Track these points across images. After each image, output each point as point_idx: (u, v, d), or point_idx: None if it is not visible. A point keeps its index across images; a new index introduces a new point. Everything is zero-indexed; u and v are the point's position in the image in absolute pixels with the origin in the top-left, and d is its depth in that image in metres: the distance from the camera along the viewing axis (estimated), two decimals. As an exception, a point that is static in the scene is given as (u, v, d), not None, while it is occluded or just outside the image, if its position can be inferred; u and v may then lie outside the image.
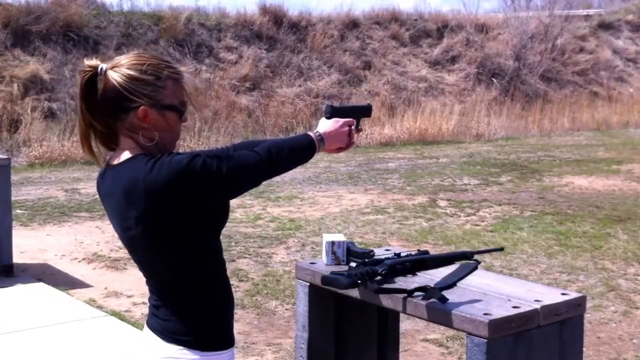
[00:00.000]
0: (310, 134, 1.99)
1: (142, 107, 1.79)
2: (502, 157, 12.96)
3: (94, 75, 1.84)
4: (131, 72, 1.79)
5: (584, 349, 4.24)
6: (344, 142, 2.06)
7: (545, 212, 8.16)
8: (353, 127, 2.10)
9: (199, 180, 1.74)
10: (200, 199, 1.78)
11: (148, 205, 1.74)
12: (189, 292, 1.85)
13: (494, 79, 18.74)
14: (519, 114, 17.58)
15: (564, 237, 7.03)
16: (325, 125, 2.04)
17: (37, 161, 11.25)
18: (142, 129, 1.81)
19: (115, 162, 1.83)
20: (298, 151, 1.93)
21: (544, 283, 5.51)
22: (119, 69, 1.81)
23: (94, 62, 1.85)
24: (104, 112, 1.84)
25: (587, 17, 22.96)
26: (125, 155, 1.82)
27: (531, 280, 5.58)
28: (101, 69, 1.82)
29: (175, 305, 1.85)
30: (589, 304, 5.09)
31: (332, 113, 2.08)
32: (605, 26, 22.75)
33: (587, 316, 4.76)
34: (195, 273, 1.85)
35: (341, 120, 2.05)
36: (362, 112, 2.21)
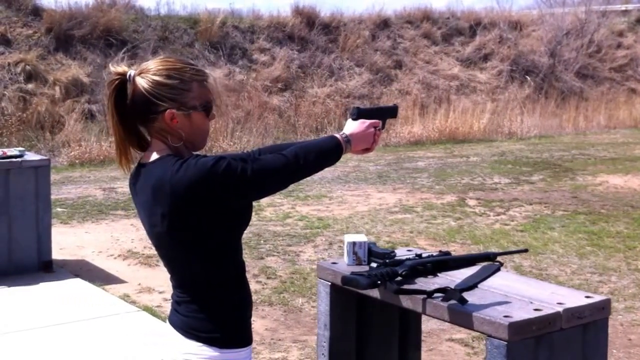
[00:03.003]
0: (337, 135, 2.01)
1: (168, 110, 1.85)
2: (534, 155, 12.80)
3: (123, 82, 1.90)
4: (156, 78, 1.86)
5: (614, 350, 4.22)
6: (370, 143, 2.08)
7: (578, 212, 8.05)
8: (378, 128, 2.11)
9: (222, 182, 1.79)
10: (223, 201, 1.82)
11: (173, 205, 1.80)
12: (209, 290, 1.90)
13: (527, 77, 18.51)
14: (553, 111, 17.33)
15: (597, 237, 6.93)
16: (351, 127, 2.07)
17: (77, 161, 11.56)
18: (170, 131, 1.88)
19: (146, 161, 1.90)
20: (325, 153, 1.96)
21: (574, 284, 5.45)
22: (145, 74, 1.87)
23: (121, 68, 1.91)
24: (134, 116, 1.91)
25: (625, 12, 22.53)
26: (155, 155, 1.89)
27: (561, 280, 5.53)
28: (129, 75, 1.89)
29: (195, 302, 1.89)
30: (620, 306, 5.04)
31: (358, 114, 2.10)
32: (643, 21, 22.33)
33: (618, 318, 4.76)
34: (215, 272, 1.90)
35: (367, 122, 2.08)
36: (388, 113, 2.23)
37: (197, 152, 1.92)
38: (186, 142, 1.90)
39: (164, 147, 1.89)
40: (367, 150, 2.10)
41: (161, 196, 1.81)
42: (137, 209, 1.95)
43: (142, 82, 1.86)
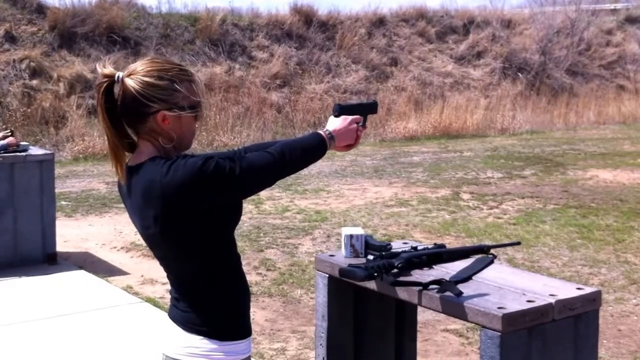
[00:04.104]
0: (321, 132, 2.02)
1: (160, 111, 1.84)
2: (526, 150, 12.93)
3: (111, 83, 1.87)
4: (147, 79, 1.84)
5: (604, 341, 4.32)
6: (352, 138, 2.09)
7: (569, 206, 8.16)
8: (360, 123, 2.12)
9: (211, 182, 1.79)
10: (213, 200, 1.83)
11: (164, 206, 1.81)
12: (205, 286, 1.92)
13: (519, 74, 18.66)
14: (545, 108, 17.50)
15: (587, 230, 7.03)
16: (334, 124, 2.08)
17: (80, 155, 11.68)
18: (161, 132, 1.87)
19: (135, 163, 1.89)
20: (310, 150, 1.97)
21: (565, 276, 5.54)
22: (135, 76, 1.85)
23: (108, 70, 1.88)
24: (124, 118, 1.89)
25: (614, 11, 22.72)
26: (144, 157, 1.87)
27: (552, 273, 5.62)
28: (118, 77, 1.86)
29: (192, 298, 1.92)
30: (610, 297, 5.12)
31: (340, 111, 2.10)
32: (632, 20, 22.49)
33: (608, 309, 4.86)
34: (211, 269, 1.92)
35: (349, 118, 2.09)
36: (368, 109, 2.23)
37: (185, 152, 1.93)
38: (175, 143, 1.89)
39: (152, 148, 1.88)
40: (350, 146, 2.10)
41: (152, 198, 1.81)
42: (128, 211, 1.95)
43: (133, 84, 1.84)
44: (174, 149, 1.90)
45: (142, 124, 1.87)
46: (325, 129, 2.06)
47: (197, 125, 1.96)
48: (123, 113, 1.88)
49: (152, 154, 1.87)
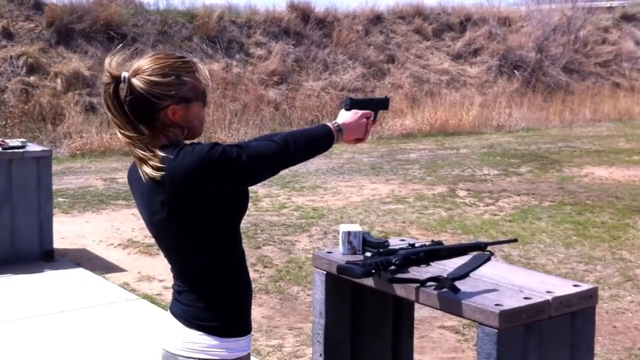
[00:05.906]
0: (329, 124, 2.04)
1: (170, 106, 1.88)
2: (522, 147, 12.97)
3: (117, 83, 1.90)
4: (154, 78, 1.87)
5: (599, 337, 4.35)
6: (362, 133, 2.11)
7: (565, 203, 8.20)
8: (371, 118, 2.13)
9: (218, 168, 1.82)
10: (219, 186, 1.85)
11: (172, 192, 1.83)
12: (208, 279, 1.92)
13: (515, 71, 18.72)
14: (540, 105, 17.56)
15: (583, 227, 7.06)
16: (344, 117, 2.09)
17: (78, 152, 11.68)
18: (172, 124, 1.91)
19: None
20: (316, 141, 1.99)
21: (561, 273, 5.57)
22: (141, 76, 1.88)
23: (114, 71, 1.89)
24: (134, 115, 1.90)
25: (610, 9, 22.81)
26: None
27: (548, 269, 5.65)
28: (124, 77, 1.89)
29: (195, 292, 1.92)
30: (606, 294, 5.14)
31: (351, 105, 2.12)
32: (628, 17, 22.59)
33: (603, 306, 4.89)
34: (214, 261, 1.92)
35: (359, 112, 2.10)
36: (380, 105, 2.25)
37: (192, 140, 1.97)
38: (186, 133, 1.93)
39: (163, 139, 1.91)
40: (359, 140, 2.12)
41: (160, 184, 1.83)
42: (136, 200, 1.96)
43: (140, 84, 1.87)
44: (185, 138, 1.93)
45: (153, 120, 1.90)
46: (334, 122, 2.08)
47: (205, 111, 1.99)
48: (133, 111, 1.91)
49: (162, 141, 1.90)
